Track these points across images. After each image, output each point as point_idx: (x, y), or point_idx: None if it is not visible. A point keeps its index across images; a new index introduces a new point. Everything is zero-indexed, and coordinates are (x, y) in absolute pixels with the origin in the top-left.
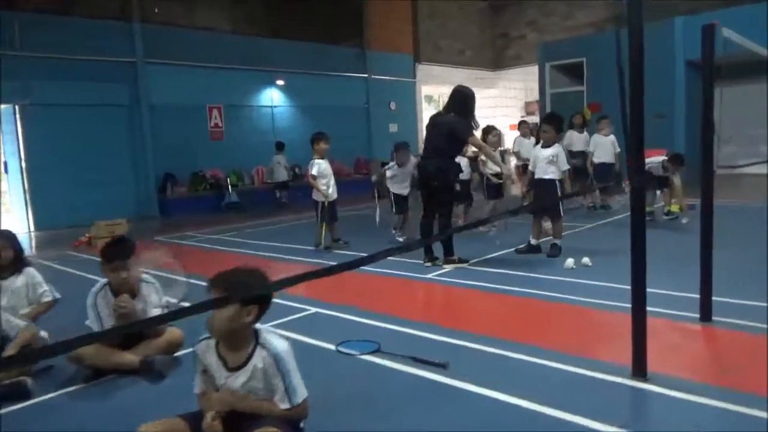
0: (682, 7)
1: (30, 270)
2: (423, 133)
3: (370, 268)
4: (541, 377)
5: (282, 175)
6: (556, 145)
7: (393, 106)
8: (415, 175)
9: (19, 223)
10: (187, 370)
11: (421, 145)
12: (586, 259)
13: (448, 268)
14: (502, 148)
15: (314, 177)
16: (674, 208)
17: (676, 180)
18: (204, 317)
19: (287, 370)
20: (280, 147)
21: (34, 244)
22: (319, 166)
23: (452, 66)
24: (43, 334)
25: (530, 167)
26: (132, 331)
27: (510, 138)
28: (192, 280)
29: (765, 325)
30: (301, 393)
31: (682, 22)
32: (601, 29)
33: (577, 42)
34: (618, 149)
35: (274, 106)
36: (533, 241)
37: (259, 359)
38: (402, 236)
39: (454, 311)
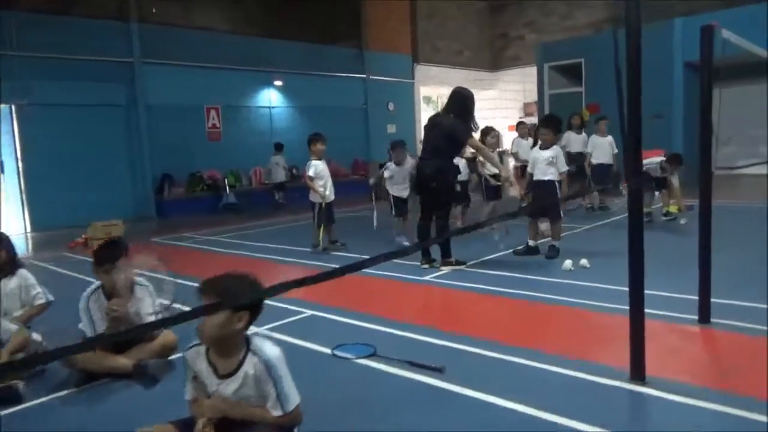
0: (681, 8)
1: (23, 272)
2: (421, 133)
3: (367, 270)
4: (538, 381)
5: (280, 175)
6: (555, 146)
7: (391, 106)
8: (414, 175)
9: (16, 223)
10: (181, 374)
11: (419, 146)
12: (584, 261)
13: (445, 270)
14: (500, 149)
15: (311, 178)
16: (673, 209)
17: (674, 181)
18: (197, 321)
19: (279, 376)
20: (278, 148)
21: (30, 245)
22: (316, 168)
23: (450, 67)
24: (36, 336)
25: (529, 169)
26: (127, 337)
27: (508, 139)
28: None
29: (764, 327)
30: (294, 399)
31: (681, 23)
32: (600, 30)
33: (576, 43)
34: (616, 150)
35: (272, 107)
36: (531, 243)
37: (250, 366)
38: (406, 239)
39: (451, 314)
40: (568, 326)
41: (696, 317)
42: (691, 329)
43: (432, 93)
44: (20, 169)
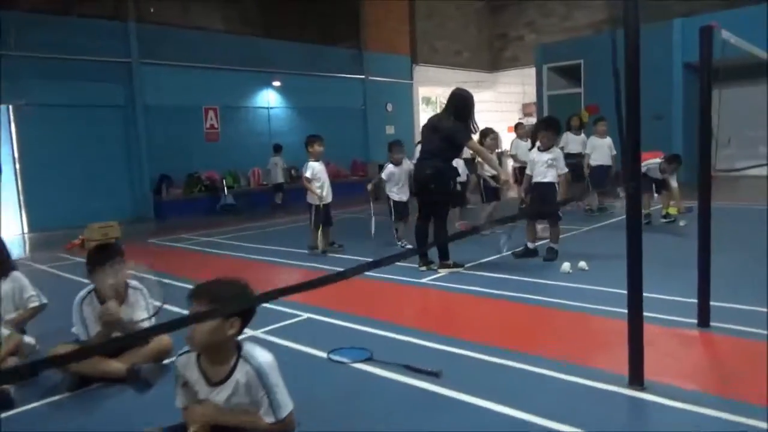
0: (681, 9)
1: (16, 274)
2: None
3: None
4: (535, 386)
5: (279, 177)
6: (555, 148)
7: (390, 107)
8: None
9: (13, 224)
10: None
11: (418, 147)
12: (582, 263)
13: (443, 272)
14: (499, 150)
15: (308, 179)
16: (672, 210)
17: (673, 182)
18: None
19: (271, 384)
20: (277, 149)
21: (27, 247)
22: (313, 169)
23: (449, 67)
24: (29, 340)
25: (528, 170)
26: (122, 344)
27: (508, 140)
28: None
29: (765, 332)
30: (287, 406)
31: (681, 24)
32: (599, 31)
33: (575, 44)
34: (615, 152)
35: (271, 108)
36: (530, 245)
37: (241, 374)
38: (406, 243)
39: (449, 317)
40: (566, 330)
41: (695, 321)
42: (691, 333)
43: (431, 94)
44: (18, 170)
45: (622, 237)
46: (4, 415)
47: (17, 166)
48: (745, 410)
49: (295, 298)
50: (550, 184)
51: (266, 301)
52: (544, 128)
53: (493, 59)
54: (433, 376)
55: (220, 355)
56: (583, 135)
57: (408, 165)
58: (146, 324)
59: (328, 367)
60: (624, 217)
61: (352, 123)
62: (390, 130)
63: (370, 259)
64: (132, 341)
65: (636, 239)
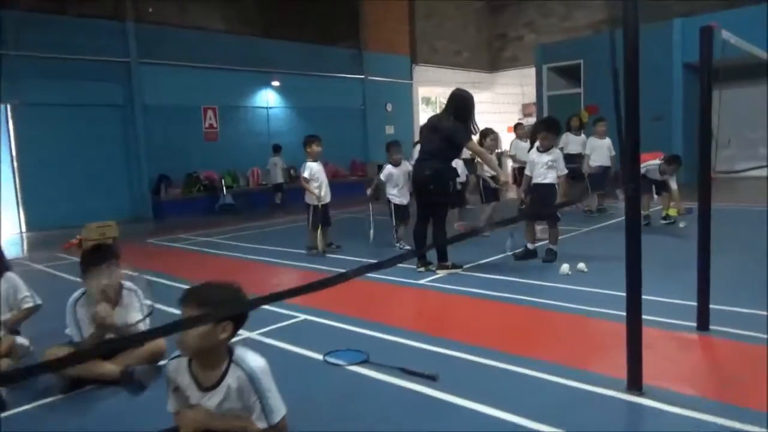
0: (681, 9)
1: (10, 275)
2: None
3: None
4: (533, 391)
5: (278, 177)
6: (555, 149)
7: (389, 107)
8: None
9: (11, 224)
10: None
11: (417, 147)
12: (581, 265)
13: (441, 273)
14: (498, 151)
15: (306, 180)
16: (672, 212)
17: (673, 184)
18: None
19: (263, 389)
20: (276, 149)
21: (25, 246)
22: (311, 169)
23: (449, 67)
24: (22, 341)
25: (527, 171)
26: (116, 346)
27: (507, 140)
28: (180, 285)
29: (765, 335)
30: (280, 411)
31: (680, 24)
32: (599, 31)
33: (575, 44)
34: (614, 152)
35: (270, 107)
36: (530, 246)
37: (233, 379)
38: (404, 244)
39: (446, 320)
40: (565, 333)
41: (695, 324)
42: (690, 337)
43: (430, 94)
44: (15, 169)
45: (621, 238)
46: None
47: (15, 165)
48: (744, 416)
49: (291, 299)
50: (550, 186)
51: (259, 306)
52: (545, 129)
53: (493, 59)
54: (429, 379)
55: (212, 360)
56: (583, 135)
57: (407, 166)
58: (141, 325)
59: (324, 370)
60: (623, 218)
61: (352, 123)
62: (389, 130)
63: (369, 260)
64: (125, 345)
65: (635, 242)
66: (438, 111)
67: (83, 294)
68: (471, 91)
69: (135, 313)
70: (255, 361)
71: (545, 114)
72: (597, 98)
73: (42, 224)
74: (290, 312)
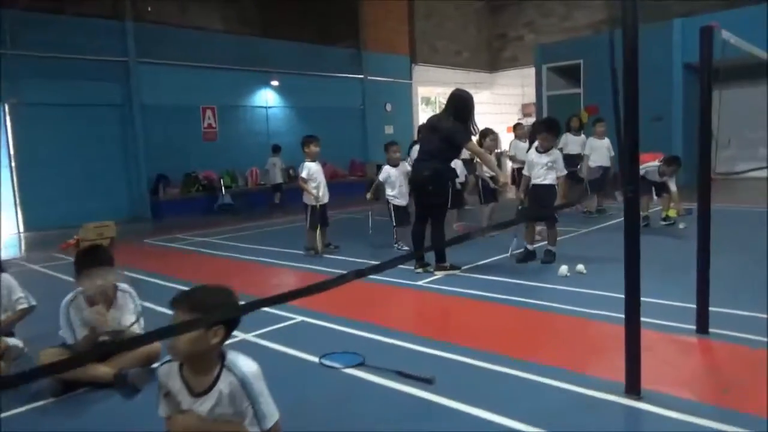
0: (680, 9)
1: (4, 276)
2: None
3: None
4: (530, 394)
5: (277, 177)
6: (554, 150)
7: (389, 107)
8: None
9: (9, 223)
10: None
11: (415, 147)
12: (580, 267)
13: (439, 274)
14: (498, 151)
15: (304, 180)
16: (671, 213)
17: (672, 185)
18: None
19: (256, 394)
20: (275, 150)
21: (22, 246)
22: (309, 169)
23: (449, 67)
24: (17, 342)
25: (525, 171)
26: (109, 349)
27: (507, 141)
28: (176, 285)
29: (765, 339)
30: (272, 416)
31: (680, 24)
32: (599, 31)
33: (574, 44)
34: (613, 153)
35: (269, 107)
36: (530, 247)
37: (225, 384)
38: (403, 245)
39: (444, 321)
40: (563, 335)
41: (694, 327)
42: (689, 340)
43: (430, 94)
44: (13, 169)
45: (620, 239)
46: None
47: (13, 164)
48: (744, 421)
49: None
50: (550, 187)
51: (252, 311)
52: (545, 130)
53: (493, 59)
54: (425, 382)
55: (203, 365)
56: (582, 136)
57: (405, 167)
58: (135, 327)
59: (320, 373)
60: (623, 219)
61: (351, 123)
62: (389, 130)
63: (367, 261)
64: (119, 349)
65: (634, 244)
66: (438, 111)
67: (77, 295)
68: (471, 91)
69: (129, 315)
70: (247, 365)
71: (545, 114)
72: (597, 98)
73: (40, 224)
74: (287, 313)
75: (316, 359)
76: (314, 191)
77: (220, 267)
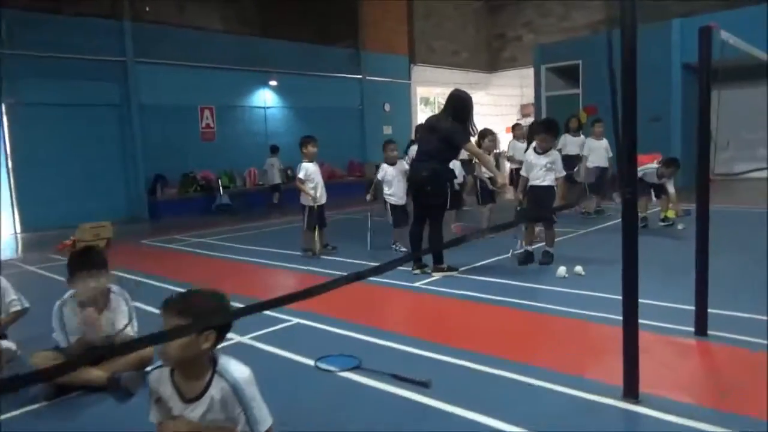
0: (679, 9)
1: None
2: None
3: None
4: (527, 398)
5: (275, 177)
6: (553, 151)
7: (387, 107)
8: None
9: (6, 224)
10: None
11: (412, 147)
12: (578, 268)
13: (436, 276)
14: (497, 151)
15: (301, 180)
16: (670, 214)
17: (670, 187)
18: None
19: (248, 400)
20: (274, 150)
21: (19, 247)
22: (307, 170)
23: (447, 68)
24: (10, 345)
25: (523, 172)
26: (102, 355)
27: (506, 141)
28: (172, 287)
29: (765, 341)
30: (265, 422)
31: (679, 24)
32: (597, 31)
33: (573, 44)
34: (611, 153)
35: (267, 107)
36: (529, 248)
37: (216, 390)
38: (401, 246)
39: (441, 324)
40: (561, 338)
41: (692, 329)
42: (687, 342)
43: (429, 94)
44: (10, 169)
45: (619, 240)
46: None
47: (9, 164)
48: (744, 424)
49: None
50: (549, 188)
51: (244, 316)
52: (544, 131)
53: (491, 59)
54: (422, 386)
55: (194, 370)
56: (582, 136)
57: (403, 165)
58: (129, 330)
59: (315, 376)
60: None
61: (350, 123)
62: (387, 130)
63: (364, 262)
64: (111, 355)
65: (631, 246)
66: (437, 111)
67: (70, 298)
68: (469, 91)
69: (123, 317)
70: (239, 371)
71: (544, 114)
72: (595, 99)
73: (37, 225)
74: (283, 315)
75: (311, 362)
76: (312, 192)
77: (216, 268)
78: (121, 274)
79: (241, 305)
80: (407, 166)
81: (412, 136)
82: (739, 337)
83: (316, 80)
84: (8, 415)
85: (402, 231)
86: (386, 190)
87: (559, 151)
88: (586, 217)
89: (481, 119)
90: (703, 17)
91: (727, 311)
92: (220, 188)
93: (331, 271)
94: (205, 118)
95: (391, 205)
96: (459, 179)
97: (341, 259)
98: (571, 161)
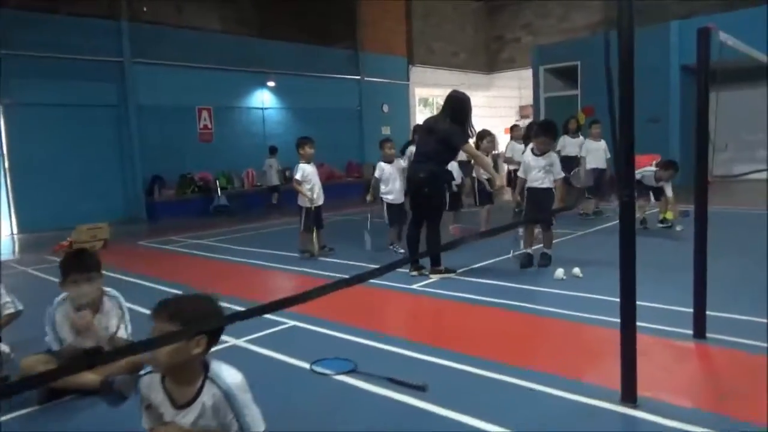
0: (678, 11)
1: None
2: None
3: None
4: (524, 402)
5: (274, 178)
6: (551, 153)
7: (386, 108)
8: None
9: (2, 225)
10: None
11: (410, 148)
12: (576, 270)
13: (434, 278)
14: (495, 152)
15: (298, 182)
16: (668, 215)
17: (668, 190)
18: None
19: (240, 406)
20: (272, 151)
21: (16, 248)
22: (304, 171)
23: (446, 69)
24: (3, 348)
25: (520, 174)
26: (99, 363)
27: (504, 142)
28: (168, 289)
29: (764, 344)
30: (258, 429)
31: (678, 26)
32: (596, 32)
33: (572, 45)
34: (609, 155)
35: (265, 108)
36: (529, 250)
37: (208, 396)
38: (398, 247)
39: (438, 327)
40: (558, 341)
41: (691, 332)
42: (686, 345)
43: (428, 95)
44: (6, 169)
45: (617, 242)
46: None
47: (6, 165)
48: (743, 429)
49: None
50: (548, 190)
51: (235, 321)
52: (543, 134)
53: (490, 60)
54: (418, 390)
55: (186, 376)
56: (581, 137)
57: (400, 163)
58: (122, 333)
59: (311, 379)
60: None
61: (348, 124)
62: (386, 131)
63: (362, 264)
64: (102, 362)
65: (629, 248)
66: (435, 112)
67: (63, 301)
68: (468, 92)
69: (116, 320)
70: (231, 376)
71: (542, 116)
72: (594, 100)
73: (34, 226)
74: (278, 318)
75: (307, 365)
76: (309, 193)
77: (213, 270)
78: (108, 274)
79: (237, 308)
80: (403, 164)
81: (410, 137)
82: (738, 340)
83: (314, 81)
84: (0, 419)
85: (397, 231)
86: (383, 188)
87: (558, 152)
88: (584, 219)
89: (479, 120)
90: (701, 19)
91: (726, 313)
92: (218, 189)
93: (329, 273)
94: (202, 118)
95: (387, 203)
96: (457, 180)
97: (339, 260)
98: (570, 163)
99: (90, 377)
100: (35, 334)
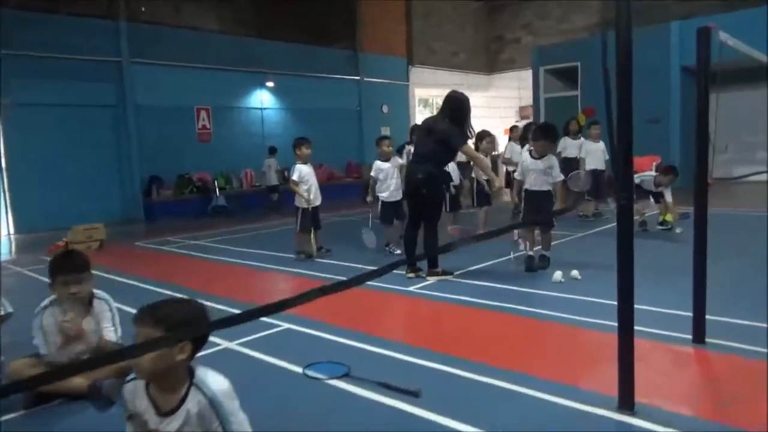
0: (678, 11)
1: None
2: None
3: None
4: (520, 409)
5: (273, 179)
6: (551, 155)
7: (385, 109)
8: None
9: None
10: None
11: (408, 148)
12: (575, 272)
13: (431, 280)
14: (495, 153)
15: (295, 182)
16: (668, 217)
17: (668, 195)
18: None
19: (225, 413)
20: (272, 151)
21: (12, 248)
22: (300, 171)
23: (446, 69)
24: None
25: (517, 175)
26: (85, 368)
27: (504, 142)
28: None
29: (765, 349)
30: None
31: (678, 27)
32: (596, 33)
33: (572, 46)
34: (608, 156)
35: (264, 108)
36: (530, 252)
37: (193, 403)
38: (394, 248)
39: (434, 330)
40: (556, 345)
41: (690, 336)
42: (685, 350)
43: (427, 95)
44: (3, 169)
45: (615, 244)
46: None
47: (3, 164)
48: None
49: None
50: (547, 192)
51: (223, 328)
52: (542, 137)
53: (490, 61)
54: (411, 395)
55: (170, 383)
56: (581, 138)
57: (397, 161)
58: (112, 335)
59: (303, 384)
60: None
61: (347, 124)
62: (385, 131)
63: (359, 265)
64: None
65: (627, 252)
66: (435, 113)
67: (51, 303)
68: (467, 93)
69: (106, 322)
70: (217, 383)
71: (542, 116)
72: (594, 101)
73: (31, 226)
74: (272, 321)
75: (300, 369)
76: (305, 194)
77: (209, 271)
78: (96, 273)
79: (232, 309)
80: (401, 161)
81: (408, 138)
82: (738, 345)
83: (313, 81)
84: None
85: (391, 230)
86: (379, 186)
87: (559, 154)
88: (583, 220)
89: (479, 121)
90: (701, 19)
91: (725, 318)
92: (216, 190)
93: (325, 274)
94: (201, 119)
95: (381, 201)
96: (456, 181)
97: (336, 262)
98: (570, 164)
99: (77, 381)
100: (28, 336)
